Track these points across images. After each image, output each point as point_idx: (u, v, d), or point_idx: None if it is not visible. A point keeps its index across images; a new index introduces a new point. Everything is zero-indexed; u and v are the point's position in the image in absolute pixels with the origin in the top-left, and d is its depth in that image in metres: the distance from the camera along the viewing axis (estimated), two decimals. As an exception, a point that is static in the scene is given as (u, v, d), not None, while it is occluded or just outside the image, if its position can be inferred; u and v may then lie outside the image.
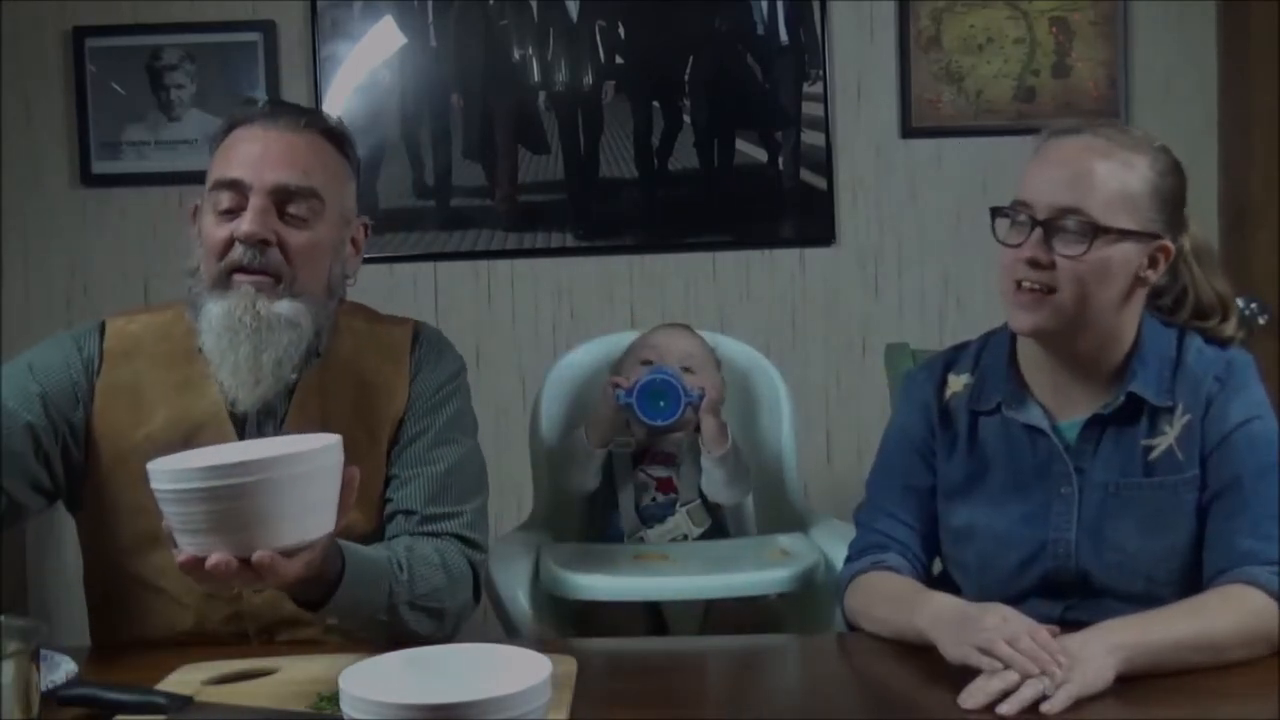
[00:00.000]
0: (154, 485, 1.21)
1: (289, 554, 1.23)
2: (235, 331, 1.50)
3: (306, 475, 1.22)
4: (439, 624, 1.52)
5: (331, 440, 1.26)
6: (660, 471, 2.21)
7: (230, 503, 1.18)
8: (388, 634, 1.46)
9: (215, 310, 1.52)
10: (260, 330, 1.51)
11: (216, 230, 1.53)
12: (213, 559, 1.20)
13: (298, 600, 1.38)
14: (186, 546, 1.22)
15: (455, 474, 1.61)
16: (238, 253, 1.52)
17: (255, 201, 1.51)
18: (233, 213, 1.53)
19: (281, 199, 1.53)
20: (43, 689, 1.16)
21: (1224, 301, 1.57)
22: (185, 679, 1.30)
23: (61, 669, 1.29)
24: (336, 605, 1.38)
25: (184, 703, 1.21)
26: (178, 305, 1.63)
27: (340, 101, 3.02)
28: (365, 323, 1.68)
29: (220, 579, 1.22)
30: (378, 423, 1.61)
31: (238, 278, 1.52)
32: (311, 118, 1.59)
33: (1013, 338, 1.58)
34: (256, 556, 1.20)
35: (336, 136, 1.61)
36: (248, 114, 1.58)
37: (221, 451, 1.33)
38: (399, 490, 1.60)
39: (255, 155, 1.53)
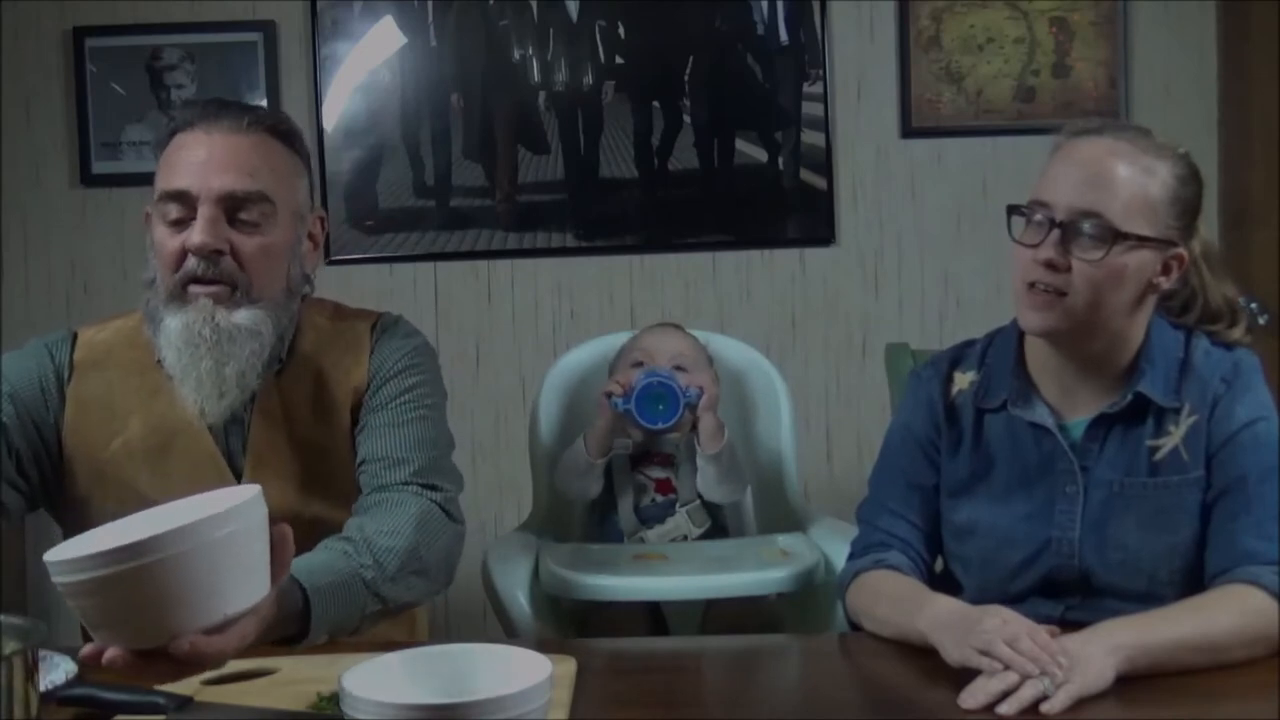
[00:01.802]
0: (55, 579, 1.09)
1: (220, 628, 1.11)
2: (195, 346, 1.48)
3: (235, 538, 1.09)
4: (428, 580, 1.49)
5: (245, 497, 1.13)
6: (659, 473, 2.21)
7: (131, 589, 1.06)
8: (387, 615, 1.45)
9: (174, 325, 1.49)
10: (221, 343, 1.48)
11: (168, 242, 1.50)
12: (107, 655, 1.10)
13: (275, 641, 1.31)
14: (103, 639, 1.11)
15: (407, 426, 1.58)
16: (191, 264, 1.49)
17: (204, 211, 1.48)
18: (182, 223, 1.49)
19: (230, 205, 1.50)
20: (42, 689, 1.16)
21: (1232, 307, 1.57)
22: (185, 679, 1.30)
23: (61, 669, 1.29)
24: (318, 630, 1.34)
25: (184, 703, 1.21)
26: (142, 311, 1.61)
27: (340, 101, 3.03)
28: (328, 319, 1.66)
29: (129, 672, 1.12)
30: (336, 414, 1.59)
31: (193, 289, 1.49)
32: (255, 116, 1.55)
33: (1020, 335, 1.57)
34: (173, 646, 1.08)
35: (282, 132, 1.57)
36: (188, 117, 1.54)
37: (124, 527, 1.18)
38: (362, 445, 1.58)
39: (199, 162, 1.49)
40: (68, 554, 1.10)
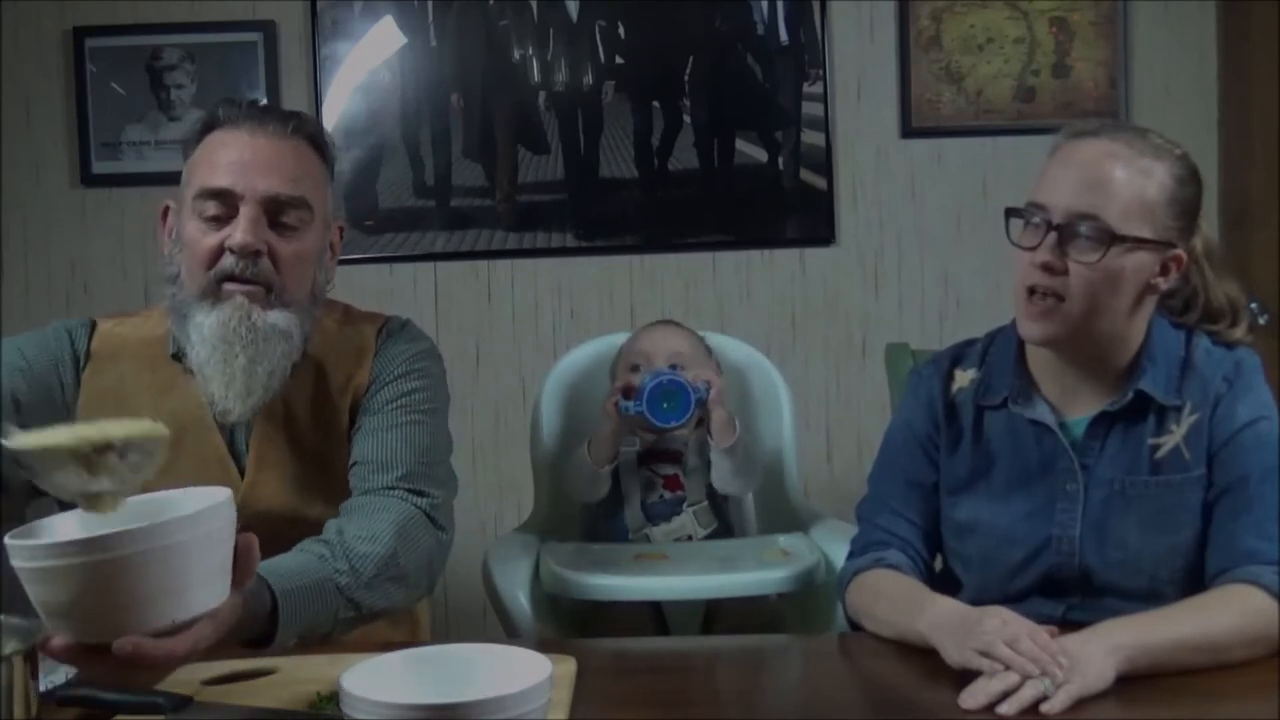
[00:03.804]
0: (14, 562, 1.08)
1: (178, 630, 1.11)
2: (230, 343, 1.48)
3: (190, 545, 1.08)
4: (405, 588, 1.47)
5: (213, 501, 1.12)
6: (667, 469, 2.21)
7: (99, 580, 1.05)
8: (361, 621, 1.43)
9: (209, 322, 1.49)
10: (256, 342, 1.48)
11: (203, 239, 1.50)
12: (55, 643, 1.10)
13: (243, 643, 1.31)
14: (54, 627, 1.10)
15: (399, 429, 1.57)
16: (228, 262, 1.49)
17: (247, 211, 1.48)
18: (219, 220, 1.49)
19: (272, 208, 1.50)
20: (42, 689, 1.16)
21: (1234, 305, 1.56)
22: (185, 679, 1.30)
23: (61, 669, 1.29)
24: (285, 634, 1.32)
25: (184, 703, 1.21)
26: (162, 308, 1.61)
27: (340, 101, 3.03)
28: (336, 323, 1.66)
29: (74, 663, 1.13)
30: (337, 415, 1.60)
31: (229, 287, 1.49)
32: (297, 123, 1.56)
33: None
34: (118, 646, 1.07)
35: (318, 142, 1.58)
36: (230, 115, 1.55)
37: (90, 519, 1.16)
38: (354, 447, 1.57)
39: (244, 163, 1.50)
40: (27, 538, 1.10)
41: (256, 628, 1.30)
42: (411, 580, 1.48)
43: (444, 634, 2.86)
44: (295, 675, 1.31)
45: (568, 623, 2.07)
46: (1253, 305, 2.59)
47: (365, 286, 2.89)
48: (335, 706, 1.11)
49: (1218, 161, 2.99)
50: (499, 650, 1.16)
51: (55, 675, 1.27)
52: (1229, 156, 2.98)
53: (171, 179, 2.94)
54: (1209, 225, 1.56)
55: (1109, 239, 1.42)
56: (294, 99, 3.00)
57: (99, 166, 3.04)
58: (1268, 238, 2.76)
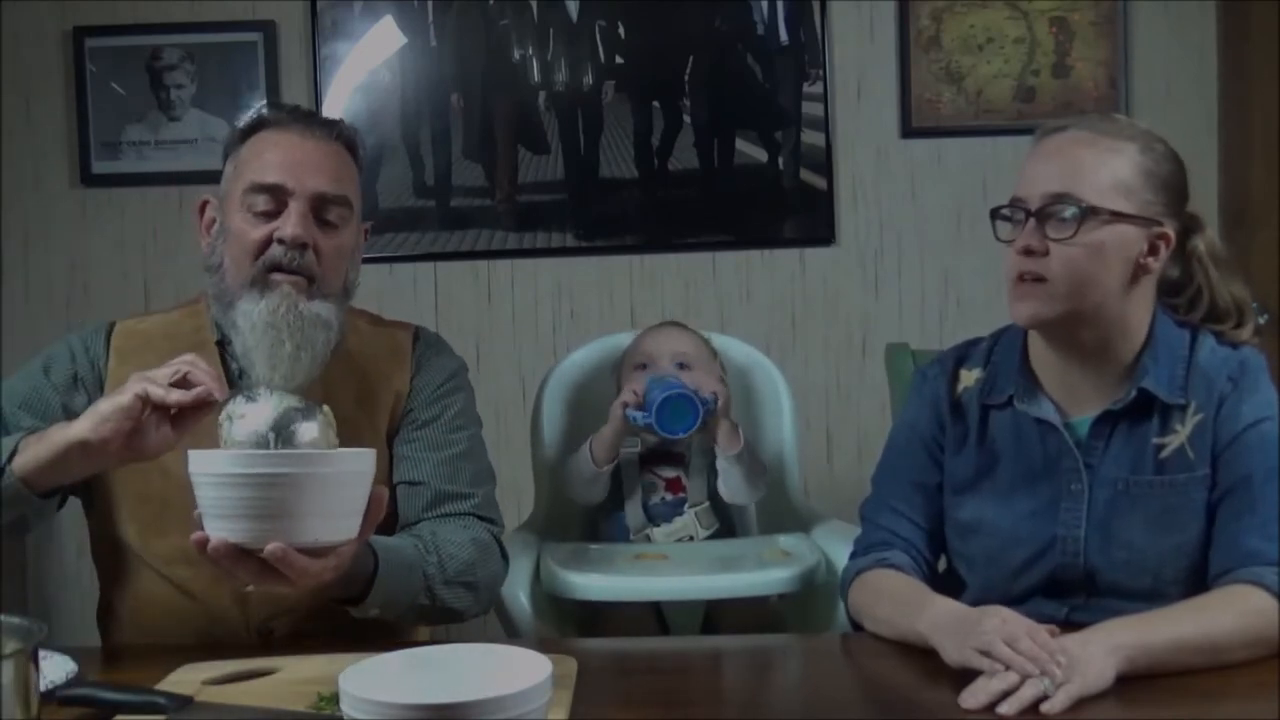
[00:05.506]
0: (192, 468, 1.25)
1: (314, 554, 1.26)
2: (278, 329, 1.53)
3: (340, 477, 1.26)
4: (475, 596, 1.60)
5: (366, 449, 1.31)
6: (669, 471, 2.21)
7: (262, 492, 1.22)
8: (429, 615, 1.56)
9: (257, 310, 1.54)
10: (303, 329, 1.54)
11: (252, 231, 1.57)
12: (212, 544, 1.23)
13: (339, 599, 1.45)
14: (212, 530, 1.24)
15: (466, 459, 1.69)
16: (276, 252, 1.56)
17: (297, 206, 1.56)
18: (268, 215, 1.57)
19: (319, 205, 1.58)
20: (43, 689, 1.16)
21: (1240, 306, 1.56)
22: (185, 679, 1.30)
23: (61, 669, 1.29)
24: (375, 599, 1.45)
25: (184, 703, 1.21)
26: (185, 306, 1.69)
27: (340, 101, 3.03)
28: (369, 324, 1.74)
29: (219, 564, 1.25)
30: (378, 410, 1.67)
31: (276, 277, 1.56)
32: (339, 129, 1.65)
33: (1025, 333, 1.58)
34: (269, 548, 1.22)
35: (354, 148, 1.67)
36: (278, 118, 1.63)
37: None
38: (412, 469, 1.66)
39: (295, 162, 1.58)
40: (217, 452, 1.27)
41: (355, 587, 1.44)
42: (480, 591, 1.61)
43: (444, 634, 2.85)
44: (295, 675, 1.32)
45: (568, 623, 2.07)
46: (1252, 305, 2.60)
47: (365, 286, 2.84)
48: (335, 706, 1.11)
49: (1218, 161, 2.99)
50: (499, 650, 1.17)
51: (55, 675, 1.27)
52: (1229, 156, 2.98)
53: (172, 179, 2.99)
54: (1210, 227, 1.57)
55: (1083, 213, 1.43)
56: (294, 99, 3.00)
57: (99, 166, 3.04)
58: (1268, 238, 2.76)
